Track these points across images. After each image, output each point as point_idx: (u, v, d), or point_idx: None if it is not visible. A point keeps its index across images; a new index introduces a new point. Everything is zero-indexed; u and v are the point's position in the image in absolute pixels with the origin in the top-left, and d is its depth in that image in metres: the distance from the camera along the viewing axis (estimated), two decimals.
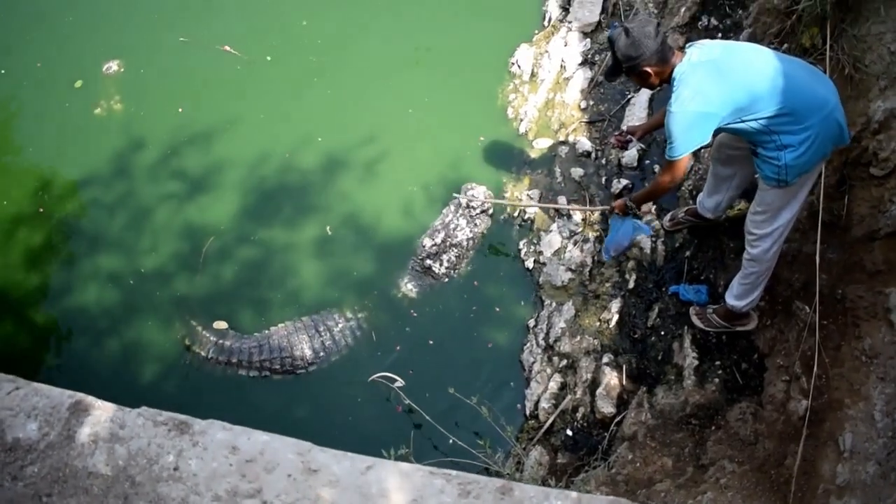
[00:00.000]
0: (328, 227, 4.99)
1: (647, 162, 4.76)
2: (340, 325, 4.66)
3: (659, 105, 4.86)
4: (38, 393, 2.38)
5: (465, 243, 4.81)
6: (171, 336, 4.75)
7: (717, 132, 3.29)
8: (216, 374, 4.58)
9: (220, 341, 4.64)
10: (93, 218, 5.24)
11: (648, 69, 3.19)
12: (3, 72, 5.92)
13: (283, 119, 5.50)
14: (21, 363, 4.75)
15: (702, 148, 4.49)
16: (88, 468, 2.22)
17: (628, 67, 3.23)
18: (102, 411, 2.34)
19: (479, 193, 4.86)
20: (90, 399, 2.38)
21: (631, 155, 4.75)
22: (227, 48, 5.79)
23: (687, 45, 3.27)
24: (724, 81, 3.10)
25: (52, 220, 5.24)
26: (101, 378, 4.64)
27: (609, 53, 3.32)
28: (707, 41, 3.26)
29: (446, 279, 4.80)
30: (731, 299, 3.78)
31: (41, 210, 5.26)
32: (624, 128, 4.19)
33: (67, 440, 2.28)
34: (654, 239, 4.45)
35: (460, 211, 4.88)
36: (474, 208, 4.87)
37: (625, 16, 5.31)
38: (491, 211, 4.97)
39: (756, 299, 3.75)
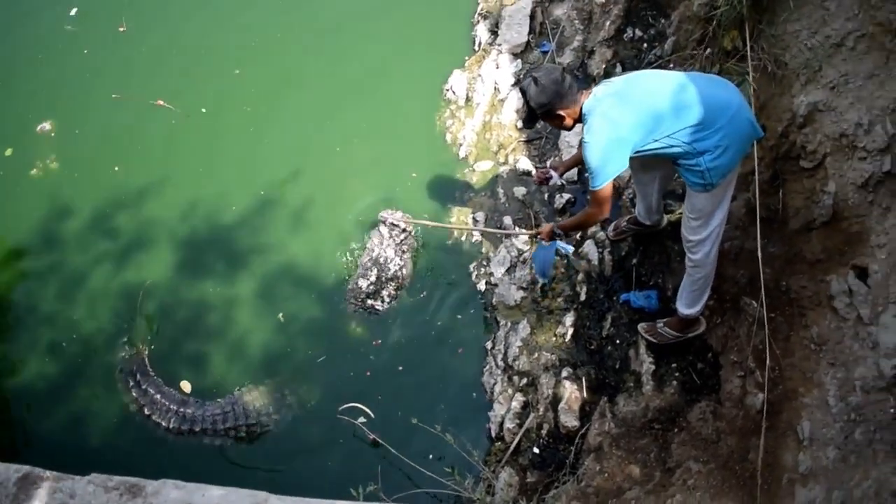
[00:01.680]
0: (280, 315, 4.88)
1: (586, 175, 4.81)
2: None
3: None
4: None
5: (399, 273, 4.80)
6: (119, 401, 4.64)
7: (634, 158, 3.38)
8: (178, 444, 4.46)
9: (182, 410, 4.50)
10: (29, 286, 5.15)
11: (561, 112, 3.38)
12: None
13: (220, 170, 5.44)
14: None
15: None
16: None
17: (542, 113, 3.42)
18: (51, 482, 2.28)
19: (399, 223, 4.86)
20: (38, 471, 2.32)
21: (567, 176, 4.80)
22: (161, 102, 5.73)
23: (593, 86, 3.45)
24: (629, 106, 3.24)
25: None
26: (50, 448, 4.52)
27: (523, 102, 3.49)
28: (611, 78, 3.44)
29: (396, 308, 4.78)
30: (682, 308, 3.83)
31: None
32: (547, 163, 4.36)
33: None
34: (600, 249, 4.50)
35: (385, 242, 4.85)
36: (397, 235, 4.84)
37: (552, 34, 5.41)
38: (415, 232, 4.97)
39: (705, 302, 3.81)
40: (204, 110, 5.72)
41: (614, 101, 3.27)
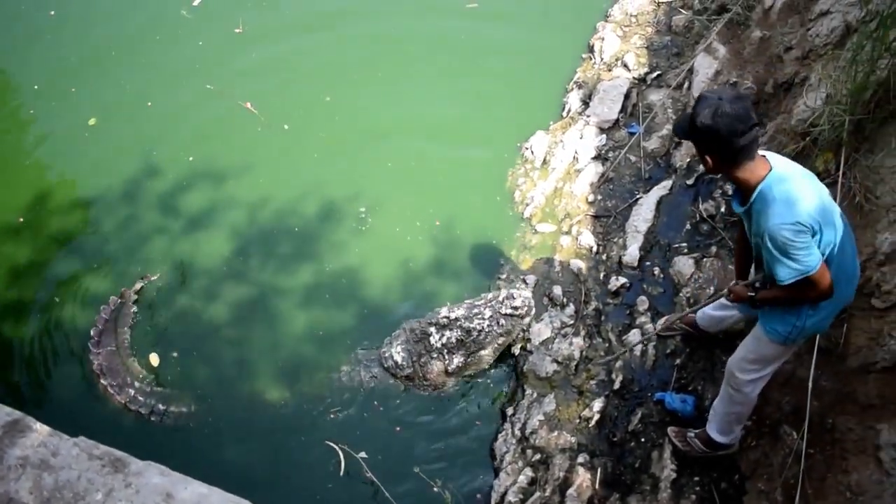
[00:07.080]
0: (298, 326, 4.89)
1: (648, 263, 4.69)
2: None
3: (667, 208, 4.82)
4: None
5: (473, 333, 4.48)
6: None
7: None
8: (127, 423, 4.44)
9: (134, 385, 4.53)
10: (87, 238, 5.29)
11: (716, 154, 2.76)
12: (73, 89, 6.13)
13: (285, 184, 5.48)
14: None
15: (704, 257, 4.48)
16: (10, 494, 2.07)
17: (697, 139, 2.76)
18: (38, 435, 2.21)
19: (517, 298, 4.55)
20: (29, 420, 2.25)
21: (632, 254, 4.68)
22: (249, 105, 5.83)
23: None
24: (810, 199, 2.75)
25: (45, 233, 5.26)
26: (55, 399, 4.56)
27: (691, 113, 2.78)
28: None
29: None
30: (713, 433, 3.62)
31: (21, 220, 5.31)
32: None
33: None
34: (645, 342, 4.33)
35: (493, 303, 4.57)
36: (508, 309, 4.53)
37: (643, 117, 5.34)
38: (527, 322, 4.62)
39: (739, 433, 3.61)
40: (286, 127, 5.78)
41: (796, 186, 2.73)
